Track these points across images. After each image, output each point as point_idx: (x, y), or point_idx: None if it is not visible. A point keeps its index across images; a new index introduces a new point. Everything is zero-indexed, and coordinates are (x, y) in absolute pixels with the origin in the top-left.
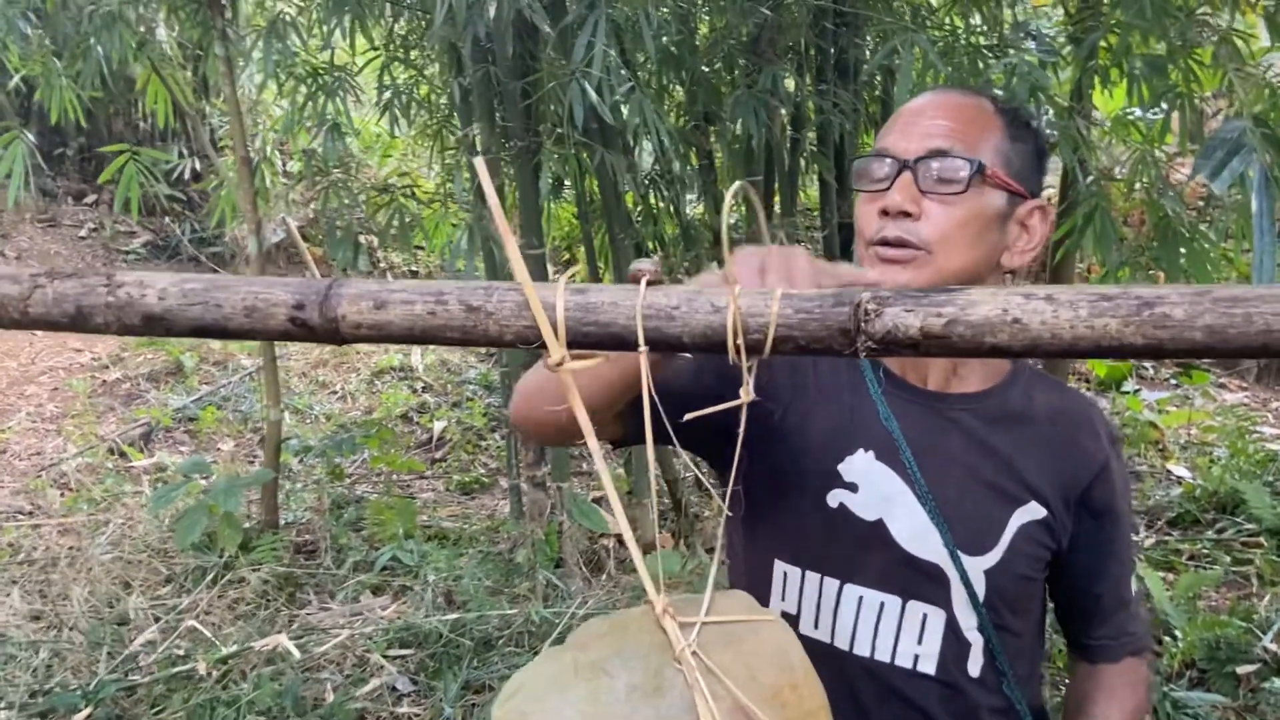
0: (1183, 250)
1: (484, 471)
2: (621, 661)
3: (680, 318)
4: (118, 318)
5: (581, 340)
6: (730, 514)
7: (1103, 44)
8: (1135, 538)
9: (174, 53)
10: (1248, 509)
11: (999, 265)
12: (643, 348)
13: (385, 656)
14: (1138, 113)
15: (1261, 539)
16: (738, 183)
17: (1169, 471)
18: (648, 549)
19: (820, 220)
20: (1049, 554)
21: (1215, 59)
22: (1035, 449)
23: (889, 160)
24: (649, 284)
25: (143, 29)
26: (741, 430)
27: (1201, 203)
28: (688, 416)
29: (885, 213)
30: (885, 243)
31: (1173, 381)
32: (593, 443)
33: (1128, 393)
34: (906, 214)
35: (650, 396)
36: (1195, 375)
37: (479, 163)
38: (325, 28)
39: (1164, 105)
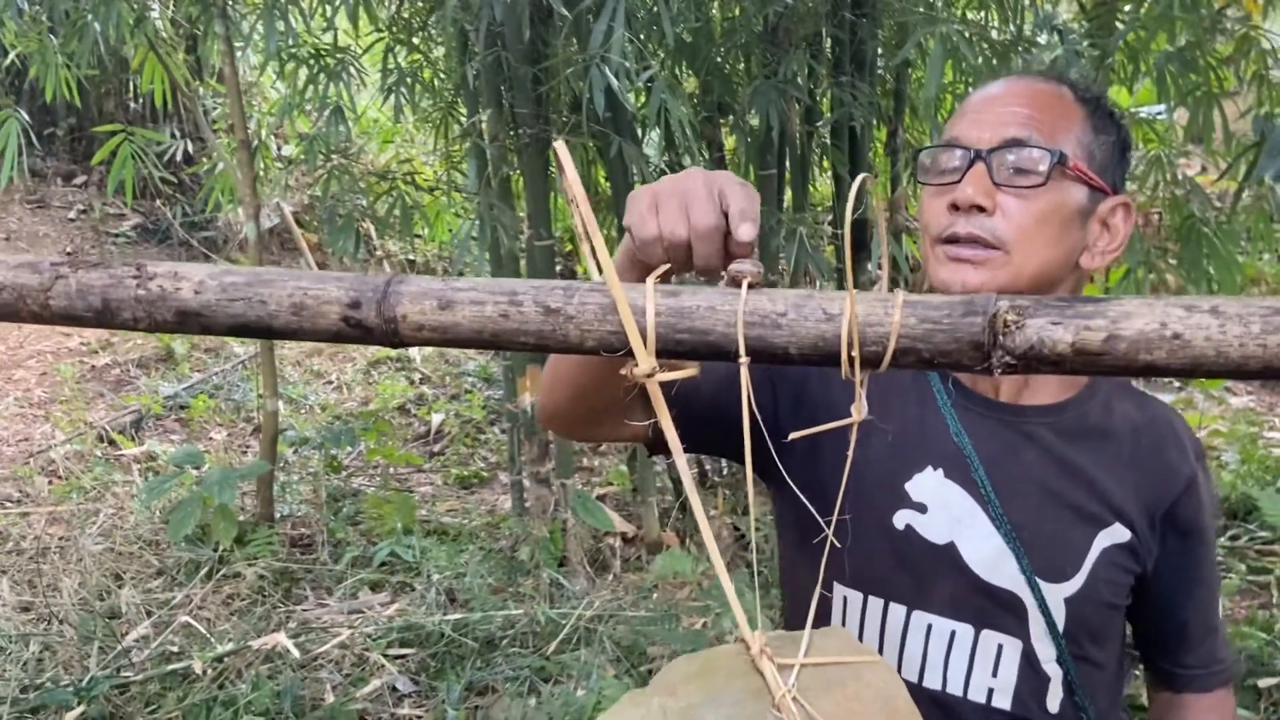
0: (1206, 252)
1: (483, 465)
2: (714, 707)
3: (788, 326)
4: (148, 313)
5: (674, 349)
6: (834, 542)
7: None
8: None
9: (168, 31)
10: (1261, 516)
11: (1077, 267)
12: (744, 359)
13: (386, 656)
14: (1147, 110)
15: (1277, 547)
16: (862, 175)
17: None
18: (654, 548)
19: (832, 215)
20: (1133, 579)
21: (1236, 55)
22: (1118, 465)
23: (960, 150)
24: (750, 287)
25: (138, 6)
26: (850, 451)
27: (1218, 204)
28: (793, 436)
29: (955, 208)
30: (955, 239)
31: (1177, 384)
32: (681, 462)
33: None
34: (980, 209)
35: (750, 410)
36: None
37: (559, 145)
38: (328, 7)
39: (1188, 103)
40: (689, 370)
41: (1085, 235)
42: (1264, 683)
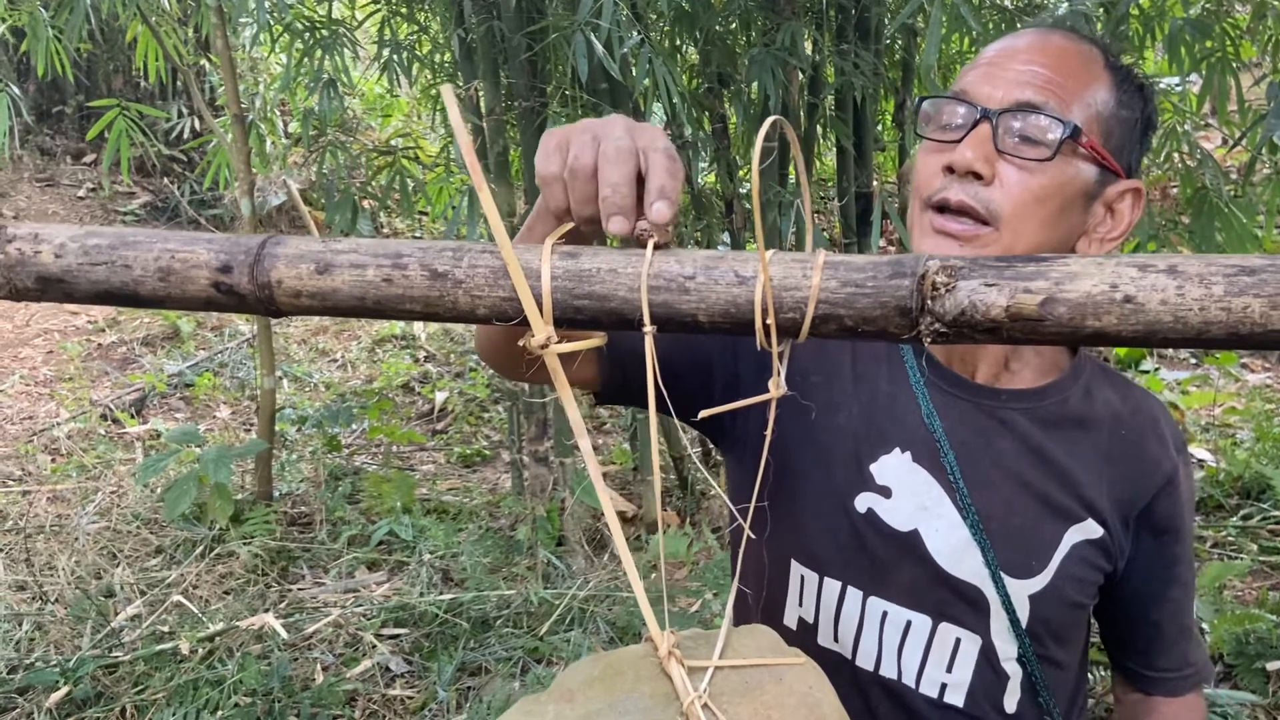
0: (1219, 225)
1: (486, 444)
2: (615, 715)
3: (696, 290)
4: (8, 279)
5: (573, 317)
6: (751, 532)
7: (1133, 9)
8: None
9: (172, 7)
10: (1275, 495)
11: (1073, 251)
12: (649, 327)
13: (378, 636)
14: (1166, 82)
15: None
16: (772, 117)
17: (1191, 454)
18: (652, 528)
19: (837, 191)
20: (1102, 577)
21: (1254, 24)
22: (1095, 458)
23: (965, 106)
24: (657, 248)
25: None
26: (769, 431)
27: (1235, 176)
28: (704, 413)
29: (951, 170)
30: (945, 207)
31: (1193, 360)
32: (585, 445)
33: (1147, 372)
34: (977, 176)
35: (655, 379)
36: (1221, 354)
37: (446, 90)
38: None
39: (1201, 70)
40: (592, 341)
41: (1087, 218)
42: (1272, 665)
